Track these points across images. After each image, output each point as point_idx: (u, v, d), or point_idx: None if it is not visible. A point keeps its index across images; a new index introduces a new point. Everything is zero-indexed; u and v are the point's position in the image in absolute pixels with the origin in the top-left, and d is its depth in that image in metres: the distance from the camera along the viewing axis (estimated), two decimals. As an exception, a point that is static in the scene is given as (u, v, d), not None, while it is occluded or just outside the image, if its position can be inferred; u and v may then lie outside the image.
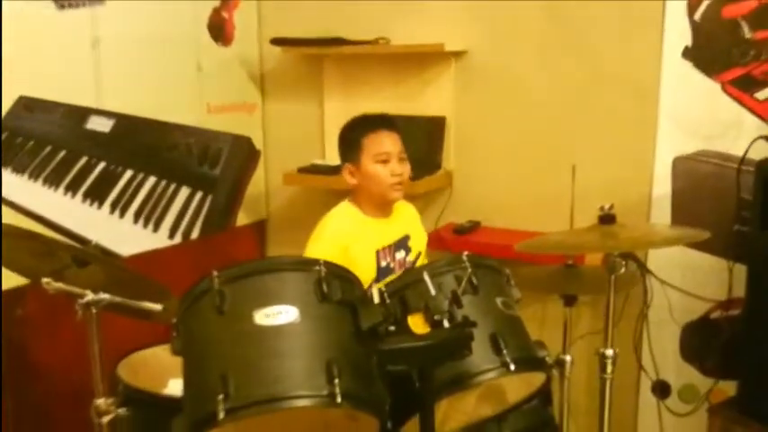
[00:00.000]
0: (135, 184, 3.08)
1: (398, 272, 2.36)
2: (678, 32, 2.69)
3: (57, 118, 2.76)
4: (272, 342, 1.42)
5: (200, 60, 3.31)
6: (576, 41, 2.89)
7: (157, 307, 1.81)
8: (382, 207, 2.42)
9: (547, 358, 1.68)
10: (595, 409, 2.41)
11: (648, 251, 2.84)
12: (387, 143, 2.36)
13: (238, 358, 1.40)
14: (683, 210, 2.79)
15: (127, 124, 3.00)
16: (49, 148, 2.77)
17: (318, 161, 3.35)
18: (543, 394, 2.33)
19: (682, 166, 2.77)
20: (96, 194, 2.93)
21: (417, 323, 1.56)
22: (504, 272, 1.76)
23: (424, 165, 3.05)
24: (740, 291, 2.59)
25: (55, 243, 2.03)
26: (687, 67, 2.70)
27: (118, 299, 1.83)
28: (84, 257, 1.91)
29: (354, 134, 2.38)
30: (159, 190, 3.18)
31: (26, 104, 2.64)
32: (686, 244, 2.74)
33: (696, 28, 2.67)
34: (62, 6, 2.71)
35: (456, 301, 1.56)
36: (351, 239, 2.30)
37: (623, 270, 2.20)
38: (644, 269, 2.76)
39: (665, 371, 2.88)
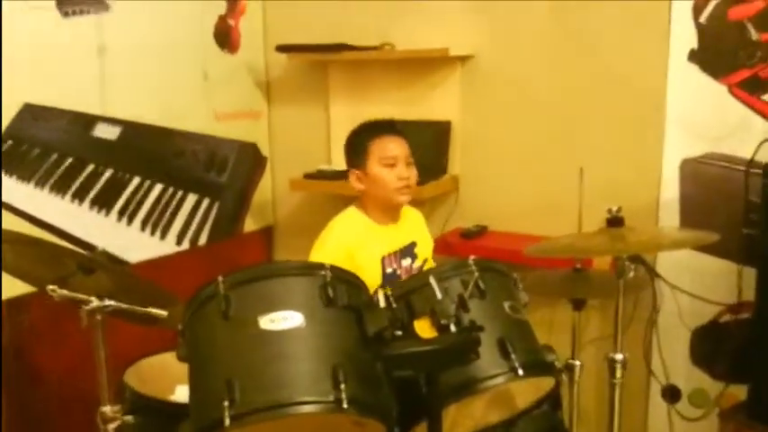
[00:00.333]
0: (142, 191, 3.08)
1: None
2: (684, 35, 2.68)
3: (63, 125, 2.77)
4: (278, 347, 1.42)
5: (206, 68, 3.32)
6: (582, 45, 2.88)
7: (163, 313, 1.81)
8: (389, 212, 2.41)
9: (556, 363, 1.67)
10: (605, 415, 2.40)
11: (657, 255, 2.82)
12: (393, 147, 2.36)
13: (244, 364, 1.40)
14: (692, 213, 2.77)
15: (134, 132, 3.00)
16: (55, 156, 2.77)
17: (325, 167, 3.35)
18: (552, 399, 2.32)
19: (689, 169, 2.76)
20: (104, 202, 2.93)
21: (424, 328, 1.55)
22: (512, 275, 1.75)
23: (429, 169, 3.04)
24: (750, 294, 2.57)
25: (60, 250, 2.03)
26: (693, 69, 2.69)
27: (123, 305, 1.83)
28: (90, 264, 1.91)
29: (361, 139, 2.38)
30: (167, 197, 3.18)
31: (32, 112, 2.64)
32: (695, 247, 2.72)
33: (702, 30, 2.66)
34: (67, 14, 2.72)
35: (463, 305, 1.55)
36: (356, 245, 2.29)
37: (632, 274, 2.19)
38: (653, 273, 2.74)
39: (675, 375, 2.86)
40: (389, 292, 1.60)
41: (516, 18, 3.00)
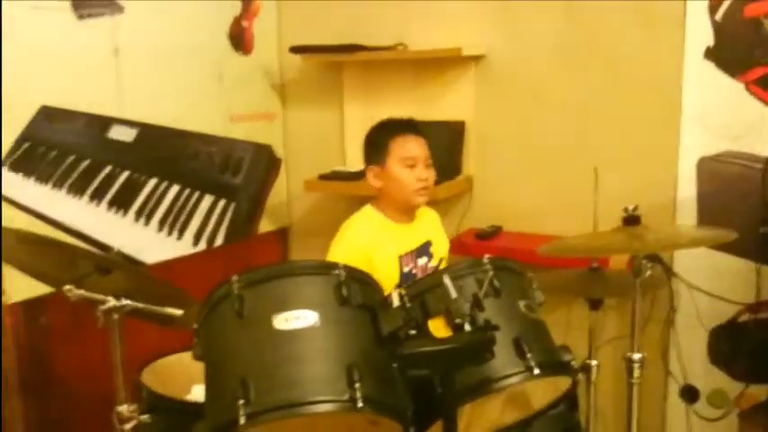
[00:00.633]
0: (159, 192, 3.10)
1: None
2: (700, 32, 2.66)
3: (79, 127, 2.78)
4: (292, 346, 1.41)
5: (220, 69, 3.33)
6: (596, 43, 2.87)
7: (178, 312, 1.81)
8: (405, 212, 2.41)
9: (572, 362, 1.66)
10: (622, 415, 2.38)
11: (674, 254, 2.81)
12: (414, 148, 2.36)
13: (258, 363, 1.40)
14: (709, 212, 2.75)
15: (149, 133, 3.02)
16: (72, 158, 2.79)
17: (339, 167, 3.35)
18: (569, 400, 2.30)
19: (706, 168, 2.74)
20: (121, 203, 2.95)
21: (438, 327, 1.54)
22: (527, 274, 1.74)
23: (443, 170, 3.02)
24: (769, 293, 2.55)
25: (77, 251, 2.04)
26: (709, 67, 2.67)
27: (139, 305, 1.84)
28: (106, 264, 1.92)
29: (382, 137, 2.38)
30: (183, 198, 3.19)
31: (48, 114, 2.66)
32: (713, 246, 2.70)
33: (718, 28, 2.64)
34: (82, 16, 2.74)
35: (477, 304, 1.54)
36: (373, 244, 2.29)
37: (649, 273, 2.17)
38: (670, 272, 2.72)
39: (693, 375, 2.83)
40: (404, 292, 1.60)
41: (530, 17, 2.99)
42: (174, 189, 3.15)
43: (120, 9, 2.88)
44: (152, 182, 3.06)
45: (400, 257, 2.34)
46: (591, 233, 2.55)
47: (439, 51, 3.09)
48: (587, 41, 2.88)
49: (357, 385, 1.35)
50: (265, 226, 3.62)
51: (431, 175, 2.39)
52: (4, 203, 2.55)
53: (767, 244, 2.55)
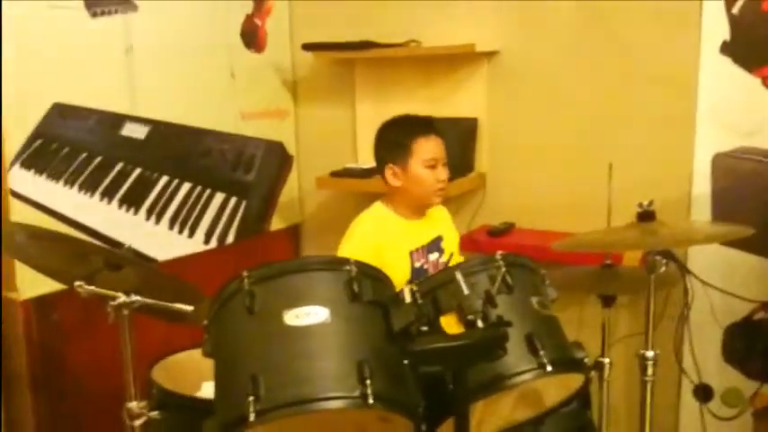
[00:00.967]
0: (170, 189, 3.10)
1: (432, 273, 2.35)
2: (716, 27, 2.63)
3: (91, 125, 2.79)
4: (303, 343, 1.41)
5: (233, 67, 3.33)
6: (610, 38, 2.84)
7: (188, 308, 1.81)
8: (418, 209, 2.41)
9: (585, 359, 1.64)
10: (636, 413, 2.36)
11: (689, 251, 2.78)
12: (436, 149, 2.36)
13: (268, 359, 1.39)
14: (724, 208, 2.72)
15: (162, 131, 3.02)
16: (84, 155, 2.79)
17: (351, 165, 3.34)
18: (582, 397, 2.29)
19: (722, 164, 2.71)
20: (132, 200, 2.95)
21: (450, 323, 1.53)
22: (540, 271, 1.72)
23: (456, 167, 3.00)
24: (785, 291, 2.53)
25: (87, 247, 2.05)
26: (726, 62, 2.64)
27: (149, 301, 1.84)
28: (117, 260, 1.92)
29: (403, 136, 2.36)
30: (194, 195, 3.19)
31: (61, 111, 2.66)
32: (727, 243, 2.68)
33: (735, 22, 2.61)
34: (95, 14, 2.74)
35: (490, 300, 1.53)
36: (383, 240, 2.28)
37: (663, 269, 2.15)
38: (684, 269, 2.70)
39: (707, 374, 2.81)
40: (416, 288, 1.59)
41: (543, 13, 2.97)
42: (186, 186, 3.15)
43: (133, 7, 2.88)
44: (164, 179, 3.06)
45: (411, 253, 2.34)
46: (605, 229, 2.53)
47: (452, 48, 3.07)
48: (601, 36, 2.86)
49: (368, 382, 1.34)
50: (277, 223, 3.61)
51: (447, 174, 2.40)
52: (16, 200, 2.56)
53: (783, 241, 2.52)
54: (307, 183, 3.62)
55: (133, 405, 1.90)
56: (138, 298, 1.83)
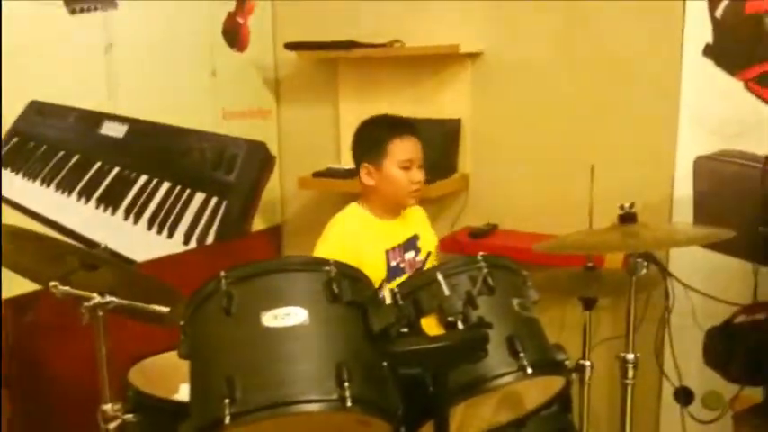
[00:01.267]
0: (149, 189, 3.06)
1: (409, 272, 2.34)
2: (699, 29, 2.64)
3: (69, 123, 2.75)
4: (281, 344, 1.39)
5: (214, 65, 3.30)
6: (593, 40, 2.84)
7: (164, 309, 1.78)
8: (393, 210, 2.41)
9: (566, 362, 1.63)
10: (616, 416, 2.36)
11: (670, 254, 2.78)
12: (412, 150, 2.35)
13: (245, 361, 1.37)
14: (706, 211, 2.73)
15: (141, 129, 2.98)
16: (61, 154, 2.75)
17: (334, 165, 3.33)
18: (562, 400, 2.29)
19: (704, 167, 2.71)
20: (110, 200, 2.91)
21: (431, 325, 1.51)
22: (521, 272, 1.71)
23: (439, 168, 3.02)
24: (765, 294, 2.53)
25: (63, 246, 2.01)
26: (708, 64, 2.64)
27: (124, 302, 1.81)
28: (93, 260, 1.89)
29: (380, 136, 2.35)
30: (174, 195, 3.16)
31: (38, 109, 2.62)
32: (709, 246, 2.68)
33: (717, 24, 2.61)
34: (74, 11, 2.70)
35: (471, 301, 1.51)
36: (359, 240, 2.29)
37: (644, 271, 2.15)
38: (665, 272, 2.69)
39: (687, 377, 2.81)
40: (396, 289, 1.57)
41: (527, 14, 2.96)
42: (165, 186, 3.11)
43: (113, 4, 2.84)
44: (142, 179, 3.03)
45: (387, 252, 2.34)
46: (587, 231, 2.52)
47: (435, 48, 3.06)
48: (585, 38, 2.86)
49: (346, 384, 1.33)
50: (258, 224, 3.58)
51: (423, 176, 2.39)
52: (-9, 199, 2.53)
53: (765, 244, 2.52)
54: (289, 183, 3.60)
55: (108, 407, 1.87)
56: (113, 299, 1.80)
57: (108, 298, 1.80)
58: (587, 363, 2.50)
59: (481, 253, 1.65)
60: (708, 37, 2.63)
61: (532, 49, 2.98)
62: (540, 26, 2.94)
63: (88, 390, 2.02)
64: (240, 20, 3.41)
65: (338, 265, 1.50)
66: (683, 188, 2.75)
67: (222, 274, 1.47)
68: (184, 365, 1.51)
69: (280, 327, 1.40)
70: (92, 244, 2.78)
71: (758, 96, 2.58)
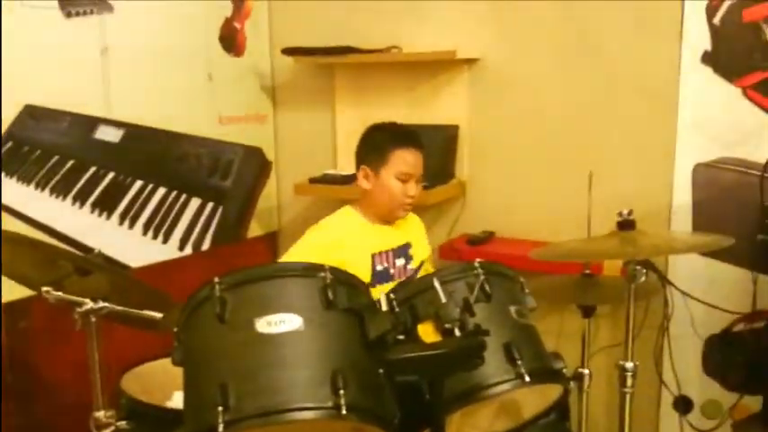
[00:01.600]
0: (144, 194, 3.04)
1: (398, 279, 2.33)
2: (697, 37, 2.63)
3: (64, 127, 2.73)
4: (275, 351, 1.37)
5: (210, 70, 3.29)
6: (592, 47, 2.83)
7: (157, 315, 1.76)
8: (384, 217, 2.41)
9: (564, 370, 1.62)
10: (615, 425, 2.34)
11: (669, 262, 2.77)
12: (414, 163, 2.35)
13: (239, 368, 1.35)
14: (705, 219, 2.72)
15: (136, 134, 2.96)
16: (56, 158, 2.73)
17: (331, 171, 3.31)
18: (560, 408, 2.27)
19: (702, 174, 2.70)
20: (105, 205, 2.89)
21: (428, 332, 1.50)
22: (518, 279, 1.70)
23: (437, 174, 3.00)
24: (764, 302, 2.52)
25: (57, 251, 1.99)
26: (707, 72, 2.64)
27: (117, 307, 1.79)
28: (86, 266, 1.87)
29: (384, 143, 2.35)
30: (169, 201, 3.14)
31: (32, 113, 2.60)
32: (708, 254, 2.67)
33: (716, 32, 2.61)
34: (69, 14, 2.69)
35: (468, 309, 1.50)
36: (343, 239, 2.29)
37: (643, 279, 2.13)
38: (664, 280, 2.68)
39: (686, 385, 2.79)
40: (393, 296, 1.56)
41: (524, 20, 2.95)
42: (161, 191, 3.09)
43: (109, 8, 2.83)
44: (138, 184, 3.01)
45: (373, 255, 2.32)
46: (584, 238, 2.51)
47: (433, 54, 3.06)
48: (583, 45, 2.85)
49: (342, 392, 1.31)
50: (254, 230, 3.57)
51: (418, 192, 2.39)
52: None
53: (764, 252, 2.51)
54: (285, 189, 3.58)
55: (100, 414, 1.85)
56: (106, 304, 1.79)
57: (101, 304, 1.78)
58: (586, 371, 2.47)
59: (478, 260, 1.64)
60: (706, 44, 2.62)
61: (529, 57, 2.97)
62: (537, 33, 2.94)
63: (81, 396, 2.00)
64: (237, 25, 3.40)
65: (334, 271, 1.48)
66: (682, 195, 2.74)
67: (216, 280, 1.46)
68: (178, 372, 1.50)
69: (274, 333, 1.38)
70: (86, 249, 2.76)
71: (757, 104, 2.57)
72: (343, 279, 1.49)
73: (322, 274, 1.46)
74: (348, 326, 1.43)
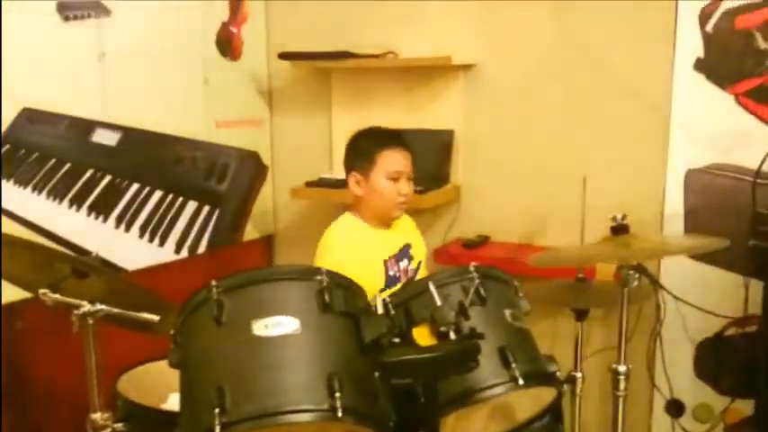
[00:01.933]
0: (141, 197, 3.05)
1: (403, 280, 2.34)
2: (690, 43, 2.66)
3: (61, 130, 2.74)
4: (272, 354, 1.38)
5: (207, 74, 3.29)
6: (586, 53, 2.85)
7: (154, 318, 1.77)
8: (383, 220, 2.42)
9: (558, 373, 1.63)
10: (608, 428, 2.36)
11: (661, 267, 2.79)
12: (401, 162, 2.36)
13: (236, 370, 1.36)
14: (697, 224, 2.74)
15: (133, 137, 2.97)
16: (53, 161, 2.74)
17: (326, 175, 3.32)
18: (554, 411, 2.27)
19: (695, 180, 2.72)
20: (102, 208, 2.89)
21: (423, 335, 1.51)
22: (513, 283, 1.71)
23: (432, 178, 3.02)
24: (756, 307, 2.53)
25: (54, 254, 2.00)
26: (699, 78, 2.66)
27: (115, 310, 1.79)
28: (84, 268, 1.88)
29: (369, 146, 2.36)
30: (166, 204, 3.15)
31: (30, 116, 2.61)
32: (701, 259, 2.68)
33: (708, 39, 2.63)
34: (67, 18, 2.70)
35: (463, 312, 1.51)
36: (360, 248, 2.29)
37: (636, 283, 2.15)
38: (656, 284, 2.70)
39: (679, 389, 2.81)
40: (388, 299, 1.57)
41: (519, 26, 2.98)
42: (157, 194, 3.10)
43: (106, 12, 2.84)
44: (134, 187, 3.01)
45: (385, 261, 2.34)
46: (579, 245, 2.53)
47: (428, 60, 3.08)
48: (577, 51, 2.87)
49: (338, 394, 1.32)
50: (250, 233, 3.58)
51: (411, 189, 2.40)
52: (-19, 206, 2.51)
53: (756, 257, 2.53)
54: (281, 193, 3.59)
55: (97, 416, 1.85)
56: (103, 307, 1.79)
57: (98, 306, 1.79)
58: (579, 374, 2.50)
59: (473, 263, 1.65)
60: (699, 51, 2.65)
61: (524, 62, 2.99)
62: (531, 40, 2.96)
63: (77, 398, 2.01)
64: (234, 29, 3.42)
65: (330, 274, 1.49)
66: (675, 200, 2.76)
67: (213, 283, 1.47)
68: (173, 375, 1.50)
69: (270, 336, 1.39)
70: (83, 252, 2.77)
71: (749, 110, 2.59)
72: (339, 282, 1.50)
73: (319, 277, 1.47)
74: (344, 329, 1.44)
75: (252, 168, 3.56)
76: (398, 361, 1.41)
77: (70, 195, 2.79)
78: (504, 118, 3.06)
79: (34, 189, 2.68)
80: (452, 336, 1.44)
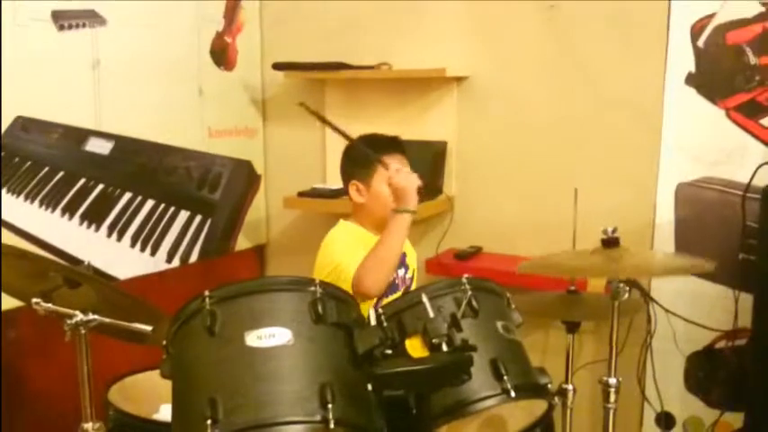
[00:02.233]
0: (133, 206, 3.05)
1: (402, 288, 2.34)
2: (682, 58, 2.68)
3: (55, 139, 2.74)
4: (264, 365, 1.38)
5: (201, 84, 3.30)
6: (579, 67, 2.87)
7: (147, 328, 1.76)
8: (381, 227, 2.40)
9: (549, 385, 1.64)
10: (599, 440, 2.36)
11: (652, 280, 2.80)
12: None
13: (228, 381, 1.36)
14: (687, 237, 2.75)
15: (126, 147, 2.97)
16: (46, 170, 2.74)
17: (319, 185, 3.33)
18: (545, 424, 2.28)
19: (685, 193, 2.74)
20: (94, 217, 2.89)
21: (415, 347, 1.51)
22: (505, 295, 1.72)
23: (425, 189, 3.01)
24: (746, 320, 2.54)
25: (46, 263, 1.99)
26: (691, 93, 2.68)
27: (107, 320, 1.79)
28: (76, 278, 1.87)
29: (368, 153, 2.35)
30: (158, 213, 3.14)
31: (24, 125, 2.61)
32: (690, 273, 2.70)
33: (700, 54, 2.66)
34: (62, 27, 2.70)
35: (455, 324, 1.52)
36: (361, 253, 2.27)
37: (627, 296, 2.16)
38: (647, 297, 2.71)
39: (669, 402, 2.82)
40: (381, 311, 1.57)
41: (513, 39, 2.99)
42: (150, 204, 3.09)
43: (101, 21, 2.84)
44: (127, 196, 3.01)
45: None
46: (570, 252, 2.53)
47: (422, 72, 3.09)
48: (569, 64, 2.89)
49: (330, 406, 1.32)
50: (243, 243, 3.57)
51: None
52: (-27, 214, 2.50)
53: (746, 271, 2.55)
54: (274, 202, 3.59)
55: (88, 426, 1.84)
56: (96, 317, 1.78)
57: (91, 316, 1.78)
58: (570, 386, 2.50)
59: (466, 275, 1.66)
60: (690, 66, 2.67)
61: (517, 75, 3.01)
62: (524, 52, 2.98)
63: (69, 407, 2.00)
64: (228, 39, 3.42)
65: (324, 285, 1.50)
66: (665, 214, 2.78)
67: (206, 293, 1.47)
68: (165, 385, 1.51)
69: (263, 347, 1.39)
70: (75, 260, 2.76)
71: (739, 125, 2.62)
72: (332, 293, 1.51)
73: (312, 288, 1.48)
74: (337, 340, 1.45)
75: (245, 178, 3.56)
76: (391, 372, 1.42)
77: (63, 204, 2.79)
78: (497, 130, 3.07)
79: (26, 198, 2.68)
80: (445, 347, 1.46)
